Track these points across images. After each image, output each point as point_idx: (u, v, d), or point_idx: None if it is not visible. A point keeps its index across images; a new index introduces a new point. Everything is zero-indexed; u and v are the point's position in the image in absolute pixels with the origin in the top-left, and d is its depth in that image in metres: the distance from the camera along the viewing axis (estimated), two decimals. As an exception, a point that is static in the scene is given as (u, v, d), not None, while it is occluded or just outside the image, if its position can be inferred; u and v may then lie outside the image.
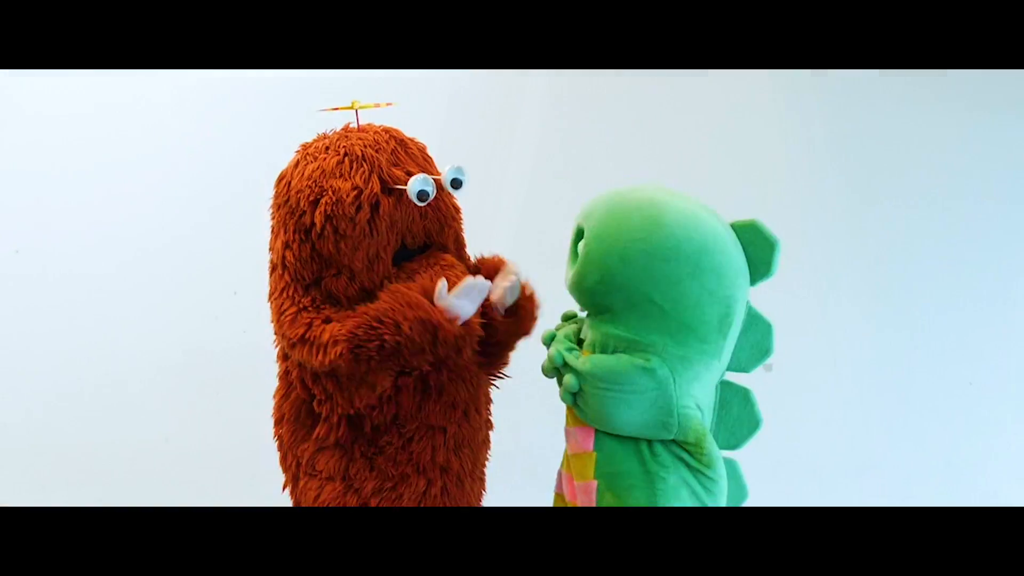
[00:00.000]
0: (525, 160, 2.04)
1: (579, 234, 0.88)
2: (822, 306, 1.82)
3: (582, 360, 0.85)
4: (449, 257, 0.97)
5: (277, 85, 1.85)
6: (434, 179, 0.93)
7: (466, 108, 2.02)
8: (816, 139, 1.88)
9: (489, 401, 1.04)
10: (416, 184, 0.91)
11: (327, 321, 0.91)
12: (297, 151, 0.99)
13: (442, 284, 0.89)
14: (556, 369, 0.88)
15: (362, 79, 1.61)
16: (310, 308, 0.93)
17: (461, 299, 0.89)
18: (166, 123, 1.88)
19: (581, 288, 0.87)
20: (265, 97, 1.87)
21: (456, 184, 0.96)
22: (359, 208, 0.90)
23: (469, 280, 0.90)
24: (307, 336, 0.91)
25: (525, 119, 2.08)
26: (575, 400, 0.86)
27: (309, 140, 1.00)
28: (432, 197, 0.93)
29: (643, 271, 0.82)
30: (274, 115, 1.83)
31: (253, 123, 1.89)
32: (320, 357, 0.89)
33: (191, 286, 1.79)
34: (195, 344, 1.78)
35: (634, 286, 0.83)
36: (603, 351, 0.85)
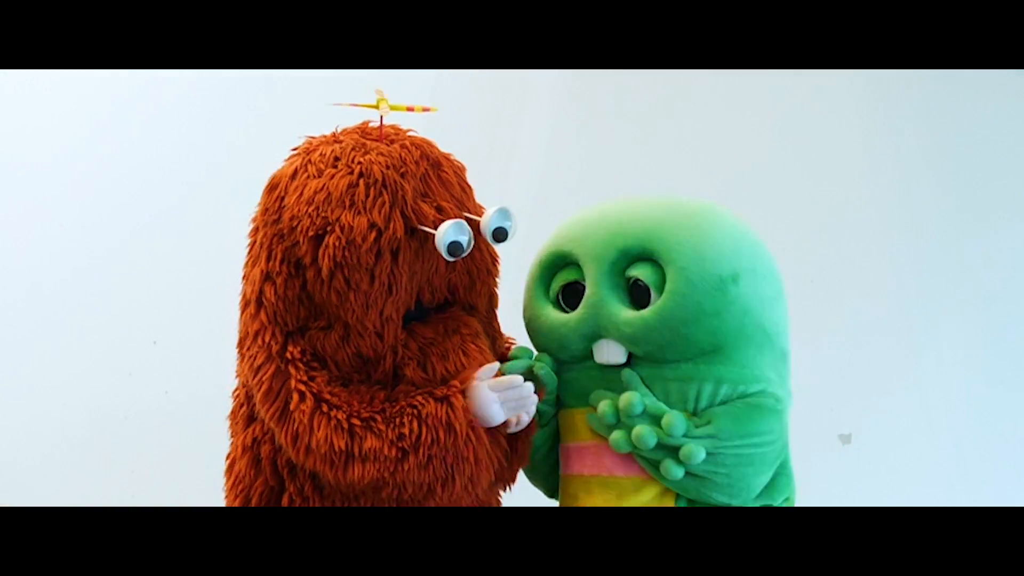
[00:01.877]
0: (531, 167, 1.88)
1: (632, 272, 0.81)
2: (916, 358, 1.61)
3: (699, 420, 0.78)
4: (473, 323, 0.84)
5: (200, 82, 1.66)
6: (470, 223, 0.81)
7: (468, 109, 1.80)
8: (902, 147, 1.74)
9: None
10: (447, 234, 0.77)
11: (320, 402, 0.78)
12: (297, 151, 0.85)
13: (489, 368, 0.81)
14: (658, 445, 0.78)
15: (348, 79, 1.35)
16: (298, 366, 0.80)
17: (497, 396, 0.79)
18: (60, 125, 1.66)
19: (689, 324, 0.78)
20: (200, 96, 1.68)
21: (499, 236, 0.81)
22: (379, 256, 0.77)
23: (517, 379, 0.80)
24: (295, 419, 0.78)
25: (530, 123, 1.94)
26: (679, 476, 0.77)
27: (314, 136, 0.87)
28: (467, 251, 0.79)
29: (753, 293, 0.79)
30: (214, 114, 1.68)
31: (182, 122, 1.68)
32: (306, 458, 0.78)
33: (99, 333, 1.56)
34: (104, 407, 1.55)
35: (751, 311, 0.79)
36: (708, 405, 0.78)
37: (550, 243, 0.86)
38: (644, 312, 0.77)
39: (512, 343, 0.90)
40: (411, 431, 0.76)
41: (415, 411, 0.77)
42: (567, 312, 0.82)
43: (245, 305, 0.84)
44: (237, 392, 0.88)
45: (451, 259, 0.78)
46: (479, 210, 0.83)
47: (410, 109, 0.85)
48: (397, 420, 0.77)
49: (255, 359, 0.81)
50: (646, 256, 0.79)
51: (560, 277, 0.84)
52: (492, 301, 0.88)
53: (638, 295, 0.79)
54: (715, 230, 0.80)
